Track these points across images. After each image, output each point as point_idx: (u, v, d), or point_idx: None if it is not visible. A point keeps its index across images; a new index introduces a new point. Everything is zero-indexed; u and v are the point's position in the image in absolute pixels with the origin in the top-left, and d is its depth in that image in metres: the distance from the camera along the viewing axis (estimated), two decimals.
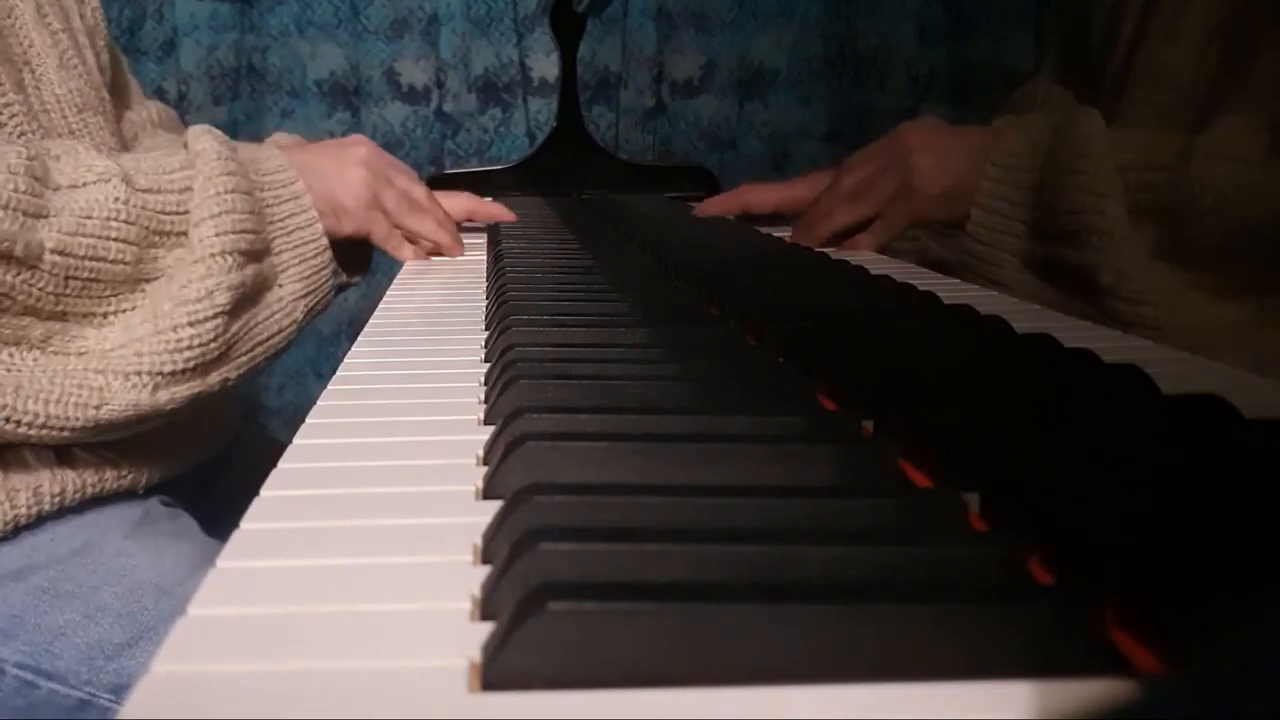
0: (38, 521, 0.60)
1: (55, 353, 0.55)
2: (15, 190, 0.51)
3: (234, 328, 0.59)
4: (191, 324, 0.56)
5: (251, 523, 0.27)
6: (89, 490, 0.61)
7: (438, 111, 1.64)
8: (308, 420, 0.37)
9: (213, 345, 0.58)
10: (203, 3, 1.56)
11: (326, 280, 0.70)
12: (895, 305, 0.54)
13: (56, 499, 0.60)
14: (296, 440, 0.34)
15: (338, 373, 0.44)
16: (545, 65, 1.62)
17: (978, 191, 0.72)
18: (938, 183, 0.74)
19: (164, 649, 0.21)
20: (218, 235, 0.58)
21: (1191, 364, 0.44)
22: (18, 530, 0.59)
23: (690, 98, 1.69)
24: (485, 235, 0.91)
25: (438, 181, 1.32)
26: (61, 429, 0.55)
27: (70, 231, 0.53)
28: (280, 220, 0.66)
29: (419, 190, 0.79)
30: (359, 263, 0.79)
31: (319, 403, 0.39)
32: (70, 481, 0.60)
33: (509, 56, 1.64)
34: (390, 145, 1.64)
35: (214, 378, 0.59)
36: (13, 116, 0.63)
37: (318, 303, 0.70)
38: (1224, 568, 0.21)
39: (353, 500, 0.29)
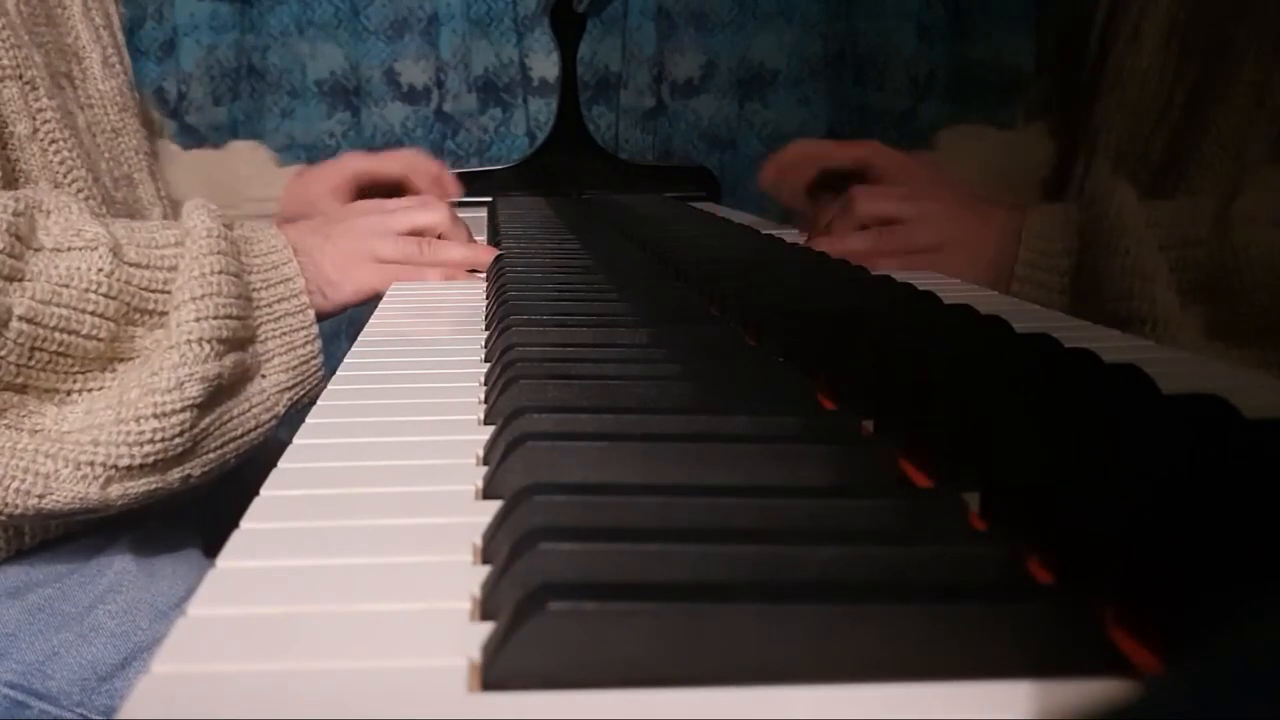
0: (41, 544, 0.59)
1: (8, 426, 0.51)
2: None
3: (204, 422, 0.55)
4: (157, 416, 0.52)
5: (251, 522, 0.27)
6: (96, 519, 0.61)
7: (438, 111, 1.64)
8: (308, 420, 0.37)
9: (177, 441, 0.53)
10: (203, 3, 1.56)
11: (315, 371, 0.64)
12: (895, 305, 0.54)
13: (61, 526, 0.60)
14: (296, 440, 0.34)
15: (338, 373, 0.45)
16: (545, 65, 1.62)
17: (1012, 279, 0.68)
18: (980, 259, 0.70)
19: (163, 649, 0.21)
20: (197, 320, 0.54)
21: (1191, 364, 0.44)
22: (21, 552, 0.59)
23: (690, 98, 1.69)
24: (485, 235, 0.91)
25: None
26: None
27: (43, 299, 0.50)
28: (268, 305, 0.61)
29: (428, 217, 0.72)
30: None
31: (319, 403, 0.39)
32: None
33: (509, 56, 1.64)
34: (390, 145, 1.64)
35: (174, 474, 0.54)
36: (45, 122, 0.61)
37: (304, 395, 0.64)
38: (1223, 568, 0.21)
39: (353, 500, 0.29)
